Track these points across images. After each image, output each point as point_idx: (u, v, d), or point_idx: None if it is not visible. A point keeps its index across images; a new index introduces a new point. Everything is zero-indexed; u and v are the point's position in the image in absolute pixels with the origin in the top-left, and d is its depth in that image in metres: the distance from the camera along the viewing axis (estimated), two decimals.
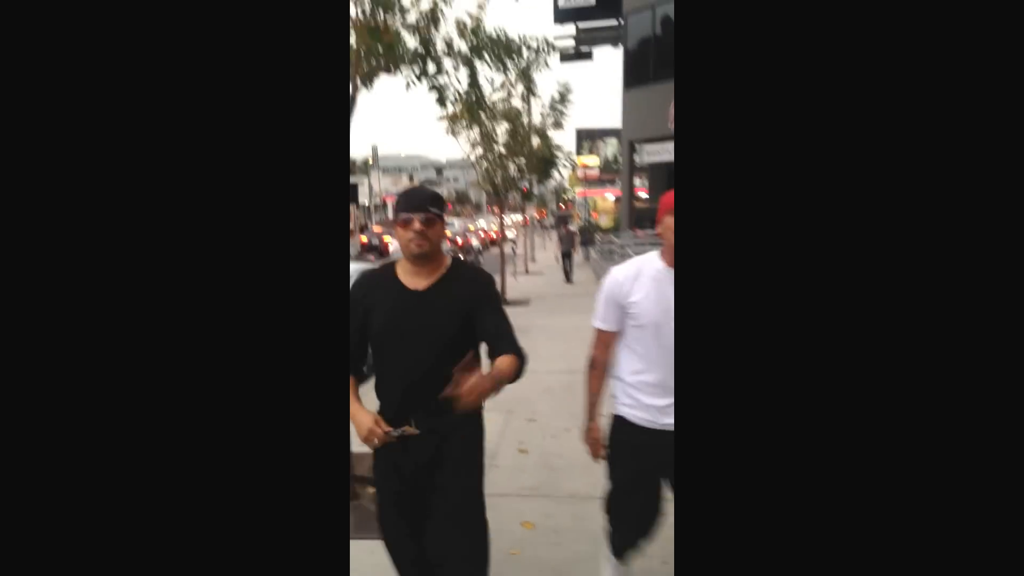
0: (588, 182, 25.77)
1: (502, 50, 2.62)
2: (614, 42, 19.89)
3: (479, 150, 9.21)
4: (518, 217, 26.53)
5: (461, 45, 2.61)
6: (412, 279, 1.57)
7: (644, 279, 1.61)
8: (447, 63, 2.58)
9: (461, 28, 2.58)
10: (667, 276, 1.58)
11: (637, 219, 15.69)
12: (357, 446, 1.75)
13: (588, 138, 29.33)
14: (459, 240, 19.22)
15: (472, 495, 1.58)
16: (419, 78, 2.58)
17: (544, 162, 11.31)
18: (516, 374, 1.49)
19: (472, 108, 2.77)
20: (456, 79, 2.64)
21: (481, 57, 2.59)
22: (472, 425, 1.61)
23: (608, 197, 25.34)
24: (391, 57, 2.46)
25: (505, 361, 1.47)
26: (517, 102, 8.95)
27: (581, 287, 11.54)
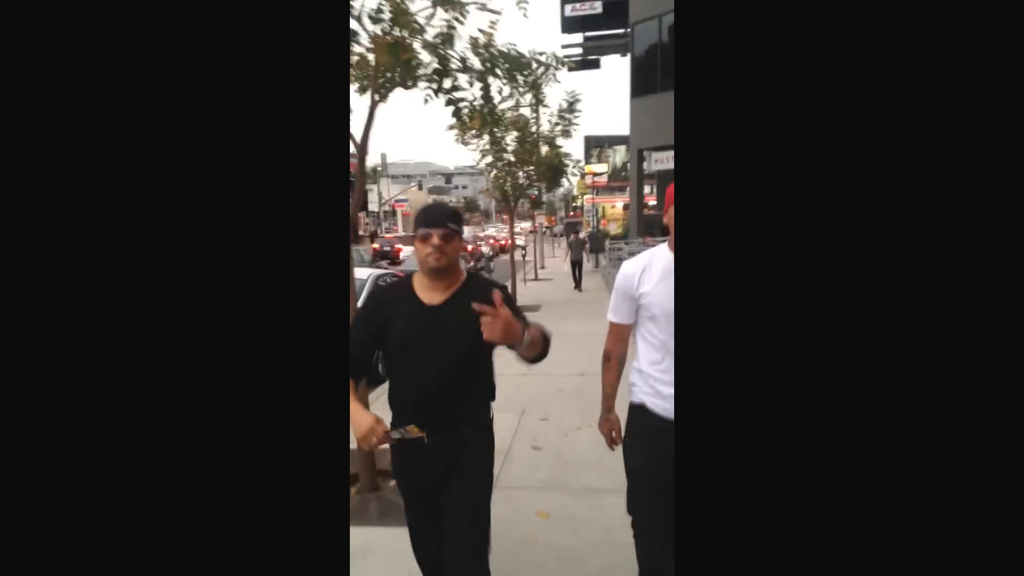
0: (597, 189, 25.88)
1: (513, 65, 2.77)
2: (621, 51, 20.08)
3: (489, 158, 9.38)
4: (527, 224, 26.69)
5: (475, 61, 2.77)
6: (428, 293, 1.60)
7: (654, 270, 1.63)
8: (462, 79, 2.74)
9: (475, 45, 2.74)
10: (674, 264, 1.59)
11: (646, 226, 15.77)
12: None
13: (597, 145, 29.45)
14: (469, 247, 19.41)
15: (479, 505, 1.60)
16: (436, 93, 2.74)
17: (553, 170, 11.46)
18: (543, 344, 1.50)
19: (484, 119, 2.91)
20: (471, 94, 2.80)
21: (495, 74, 2.74)
22: (483, 438, 1.64)
23: (617, 205, 25.44)
24: (409, 73, 2.63)
25: (531, 328, 1.48)
26: (526, 111, 9.12)
27: (591, 294, 11.64)
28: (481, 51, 2.70)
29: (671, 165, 14.21)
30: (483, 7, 2.79)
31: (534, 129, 9.67)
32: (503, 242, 23.86)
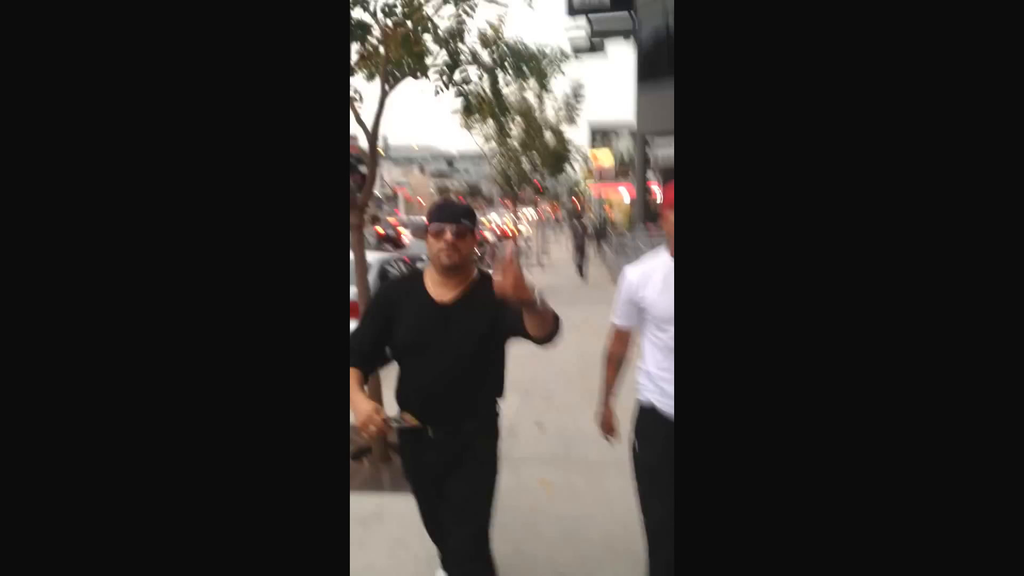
0: (602, 177, 25.85)
1: (520, 59, 2.88)
2: (627, 36, 19.93)
3: (493, 144, 9.46)
4: (531, 211, 26.70)
5: (483, 55, 2.87)
6: (439, 290, 1.59)
7: (655, 275, 1.66)
8: (472, 72, 2.85)
9: (484, 39, 2.85)
10: (673, 269, 1.62)
11: (650, 214, 15.82)
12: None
13: (602, 133, 29.33)
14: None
15: (483, 499, 1.61)
16: (447, 86, 2.85)
17: (557, 157, 11.52)
18: (553, 320, 1.45)
19: (492, 110, 3.02)
20: (481, 87, 2.90)
21: (503, 68, 2.85)
22: (489, 432, 1.65)
23: (621, 192, 25.42)
24: (421, 66, 2.74)
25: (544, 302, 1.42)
26: (531, 97, 9.19)
27: (593, 281, 11.75)
28: (490, 45, 2.81)
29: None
30: (491, 0, 2.89)
31: (538, 115, 9.73)
32: (506, 229, 23.93)
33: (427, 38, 2.69)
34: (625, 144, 26.92)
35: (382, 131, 3.00)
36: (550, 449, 3.36)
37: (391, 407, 1.64)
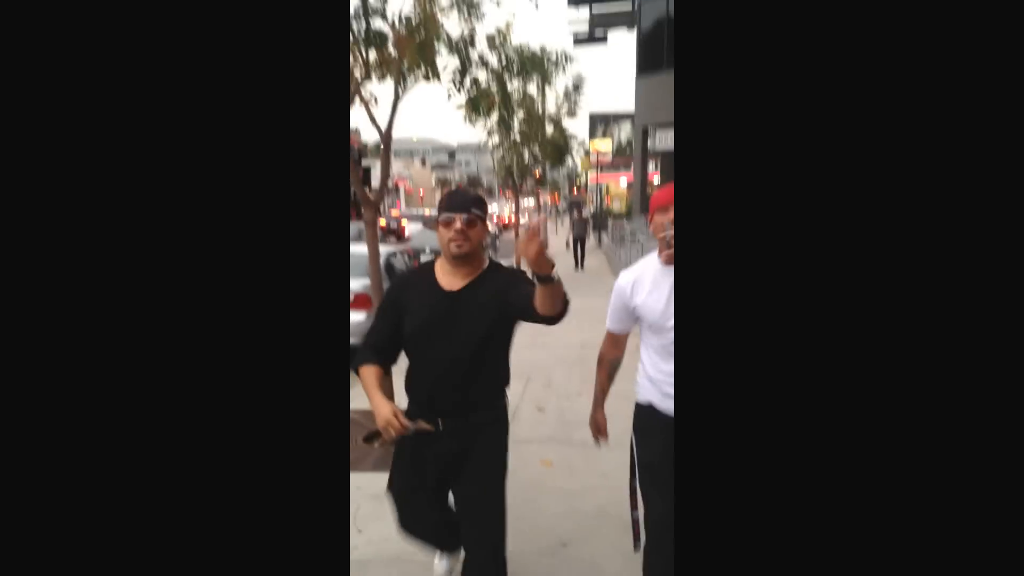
0: (601, 167, 25.94)
1: (526, 62, 3.06)
2: (628, 25, 19.92)
3: (496, 137, 9.61)
4: (531, 202, 26.80)
5: (492, 59, 3.06)
6: (448, 279, 1.59)
7: (645, 280, 1.66)
8: (481, 76, 3.03)
9: (492, 44, 3.03)
10: (663, 274, 1.63)
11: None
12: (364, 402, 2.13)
13: (602, 122, 29.32)
14: None
15: (494, 491, 1.62)
16: (459, 89, 3.04)
17: (557, 149, 11.66)
18: (563, 297, 1.43)
19: (500, 111, 3.21)
20: (489, 89, 3.09)
21: (510, 71, 3.03)
22: (498, 424, 1.65)
23: (621, 182, 25.50)
24: (434, 71, 2.92)
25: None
26: (533, 90, 9.32)
27: (592, 270, 11.94)
28: (497, 49, 2.99)
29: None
30: (498, 3, 3.06)
31: (540, 110, 9.87)
32: (507, 219, 24.06)
33: (440, 47, 2.88)
34: (625, 132, 26.96)
35: (382, 123, 3.18)
36: (550, 431, 3.58)
37: (401, 399, 1.66)
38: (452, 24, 2.92)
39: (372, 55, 2.83)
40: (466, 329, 1.54)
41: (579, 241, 12.95)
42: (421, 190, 43.89)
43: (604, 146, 26.08)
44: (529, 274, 1.52)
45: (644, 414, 1.74)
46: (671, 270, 1.60)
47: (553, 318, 1.45)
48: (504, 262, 1.79)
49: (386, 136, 3.22)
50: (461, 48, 2.83)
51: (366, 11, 2.75)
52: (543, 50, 3.22)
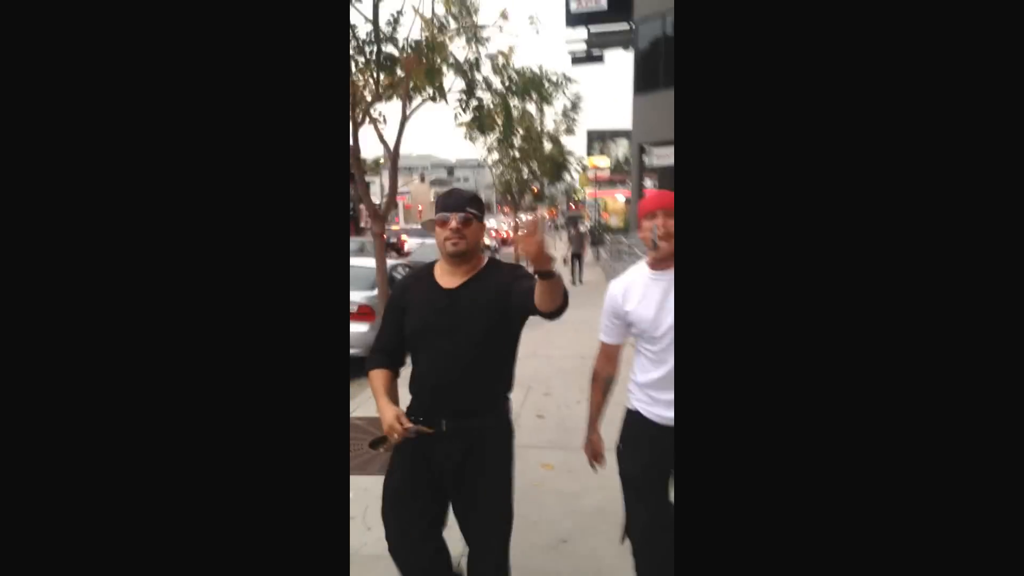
0: (599, 183, 26.23)
1: (527, 85, 3.25)
2: (625, 45, 20.34)
3: (496, 155, 9.82)
4: (530, 217, 27.00)
5: (495, 81, 3.24)
6: (447, 278, 1.59)
7: (635, 288, 1.66)
8: (486, 97, 3.21)
9: (496, 67, 3.21)
10: (652, 280, 1.64)
11: None
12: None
13: (599, 139, 29.72)
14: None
15: (500, 495, 1.61)
16: (464, 110, 3.21)
17: (556, 165, 11.89)
18: (563, 293, 1.41)
19: (504, 130, 3.39)
20: (492, 109, 3.27)
21: (513, 93, 3.21)
22: (502, 429, 1.63)
23: (618, 198, 25.79)
24: (441, 93, 3.09)
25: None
26: (532, 109, 9.57)
27: (590, 283, 12.10)
28: (501, 72, 3.18)
29: (671, 160, 14.56)
30: (501, 28, 3.25)
31: (539, 127, 10.11)
32: (505, 235, 24.30)
33: (447, 70, 3.05)
34: (622, 149, 27.32)
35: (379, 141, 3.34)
36: (550, 437, 3.70)
37: (405, 402, 1.65)
38: (458, 48, 3.10)
39: (382, 78, 3.00)
40: (465, 326, 1.53)
41: (576, 256, 13.06)
42: (420, 206, 44.38)
43: (601, 163, 26.40)
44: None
45: (631, 421, 1.73)
46: (659, 276, 1.62)
47: (553, 313, 1.44)
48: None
49: (394, 153, 3.39)
50: (467, 71, 3.02)
51: (377, 37, 2.93)
52: (543, 72, 3.40)
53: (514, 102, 3.50)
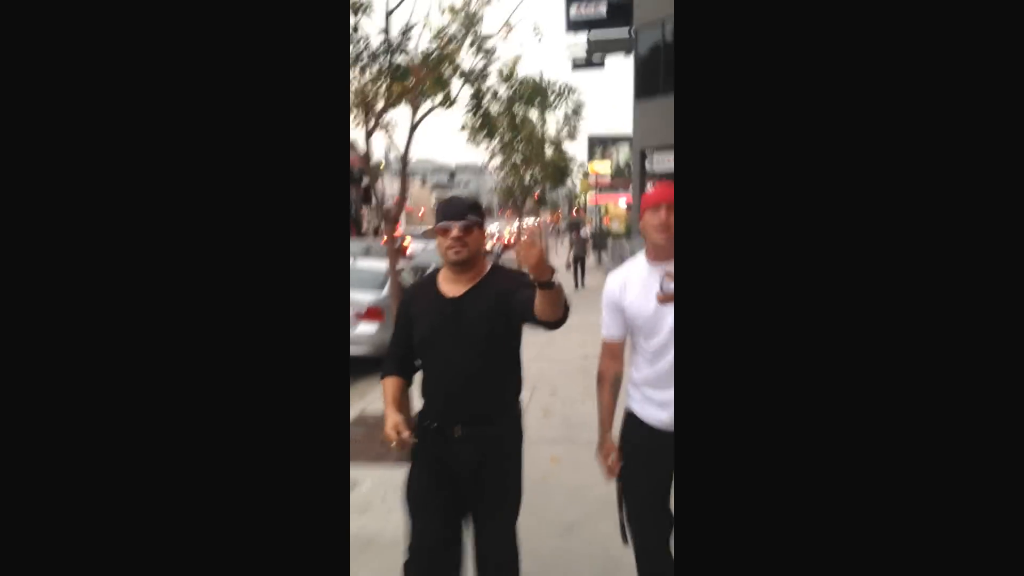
0: (600, 188, 26.35)
1: (531, 93, 3.39)
2: (625, 51, 20.52)
3: (499, 159, 9.95)
4: (532, 222, 27.22)
5: (501, 89, 3.38)
6: (450, 286, 1.60)
7: (633, 281, 1.64)
8: (493, 107, 3.35)
9: (502, 76, 3.35)
10: (651, 273, 1.60)
11: None
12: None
13: (600, 144, 29.86)
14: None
15: (512, 489, 1.66)
16: (474, 116, 3.36)
17: (558, 170, 12.02)
18: (564, 304, 1.43)
19: (511, 135, 3.52)
20: (498, 118, 3.41)
21: (518, 100, 3.35)
22: (514, 434, 1.67)
23: (620, 203, 25.92)
24: (449, 101, 3.23)
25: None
26: (534, 115, 9.71)
27: (592, 287, 12.21)
28: (506, 81, 3.32)
29: (672, 166, 14.67)
30: (505, 37, 3.39)
31: (540, 133, 10.24)
32: (507, 239, 24.42)
33: (456, 79, 3.20)
34: (623, 155, 27.46)
35: (382, 145, 3.49)
36: (556, 433, 3.82)
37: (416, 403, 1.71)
38: (465, 58, 3.24)
39: (394, 86, 3.14)
40: (469, 334, 1.55)
41: (579, 261, 13.08)
42: (422, 209, 44.67)
43: (603, 168, 26.54)
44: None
45: (627, 422, 1.71)
46: (659, 269, 1.58)
47: (553, 324, 1.45)
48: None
49: (404, 159, 3.52)
50: (474, 80, 3.16)
51: (389, 47, 3.06)
52: (548, 82, 3.55)
53: (520, 111, 3.63)
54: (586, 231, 17.52)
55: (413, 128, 3.50)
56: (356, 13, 2.88)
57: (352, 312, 3.06)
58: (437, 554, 1.63)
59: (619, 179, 26.52)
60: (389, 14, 3.09)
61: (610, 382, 1.73)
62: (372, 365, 4.06)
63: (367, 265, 6.44)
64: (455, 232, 1.54)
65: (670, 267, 1.55)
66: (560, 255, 23.27)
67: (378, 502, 2.89)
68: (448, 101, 3.23)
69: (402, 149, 3.51)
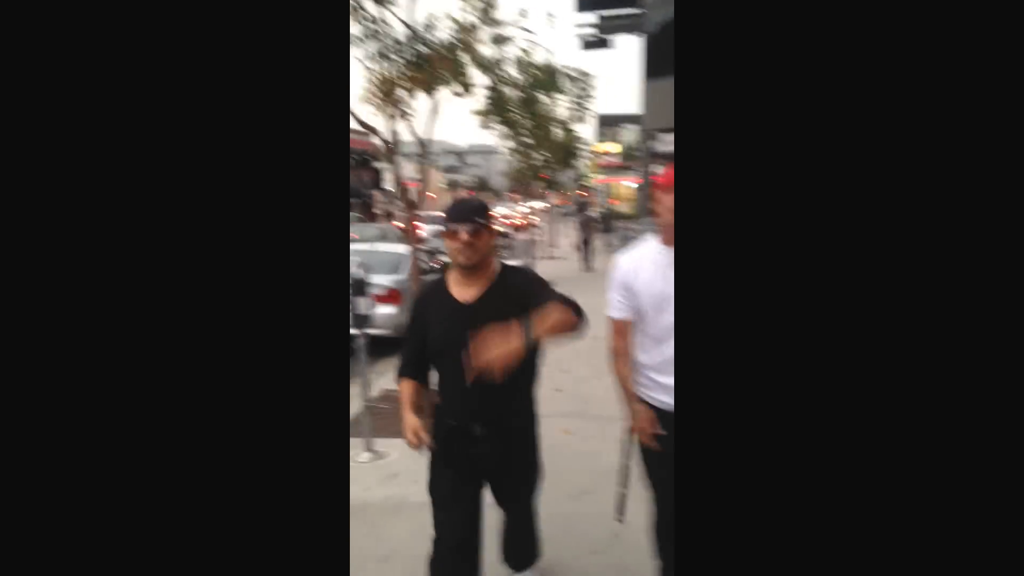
0: (608, 169, 26.23)
1: (547, 83, 3.51)
2: (635, 30, 20.28)
3: (511, 142, 10.02)
4: (540, 204, 27.25)
5: (518, 78, 3.51)
6: (461, 289, 1.61)
7: (645, 262, 1.64)
8: (510, 92, 3.49)
9: (519, 64, 3.48)
10: (665, 255, 1.60)
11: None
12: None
13: (609, 124, 29.62)
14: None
15: (531, 484, 1.74)
16: (491, 103, 3.49)
17: (566, 152, 12.07)
18: (568, 321, 1.47)
19: (529, 121, 3.66)
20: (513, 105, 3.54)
21: (535, 88, 3.48)
22: (532, 431, 1.73)
23: (628, 184, 25.83)
24: (468, 88, 3.37)
25: (548, 310, 1.45)
26: (544, 98, 9.75)
27: (600, 269, 12.35)
28: (524, 69, 3.44)
29: None
30: (523, 28, 3.51)
31: (551, 115, 10.28)
32: (517, 222, 24.46)
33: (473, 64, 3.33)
34: (632, 135, 27.27)
35: (396, 129, 3.59)
36: (567, 407, 4.03)
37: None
38: (483, 47, 3.37)
39: (415, 77, 3.27)
40: None
41: (586, 242, 13.17)
42: (431, 193, 44.87)
43: (611, 149, 26.38)
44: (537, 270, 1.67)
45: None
46: (671, 252, 1.59)
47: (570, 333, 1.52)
48: (517, 262, 1.91)
49: (424, 145, 3.66)
50: (492, 69, 3.29)
51: (413, 38, 3.19)
52: (561, 68, 3.67)
53: (532, 95, 3.75)
54: (593, 213, 17.55)
55: (432, 116, 3.64)
56: (381, 4, 3.00)
57: (373, 295, 3.23)
58: (461, 548, 1.66)
59: (627, 160, 26.38)
60: (413, 7, 3.20)
61: (624, 356, 1.74)
62: (392, 346, 4.26)
63: (386, 249, 6.61)
64: (464, 236, 1.54)
65: None
66: (569, 237, 23.39)
67: (405, 471, 3.11)
68: (466, 88, 3.36)
69: (421, 136, 3.65)
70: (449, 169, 62.70)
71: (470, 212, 1.56)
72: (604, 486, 2.85)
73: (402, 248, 7.08)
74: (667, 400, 1.65)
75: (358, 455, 3.31)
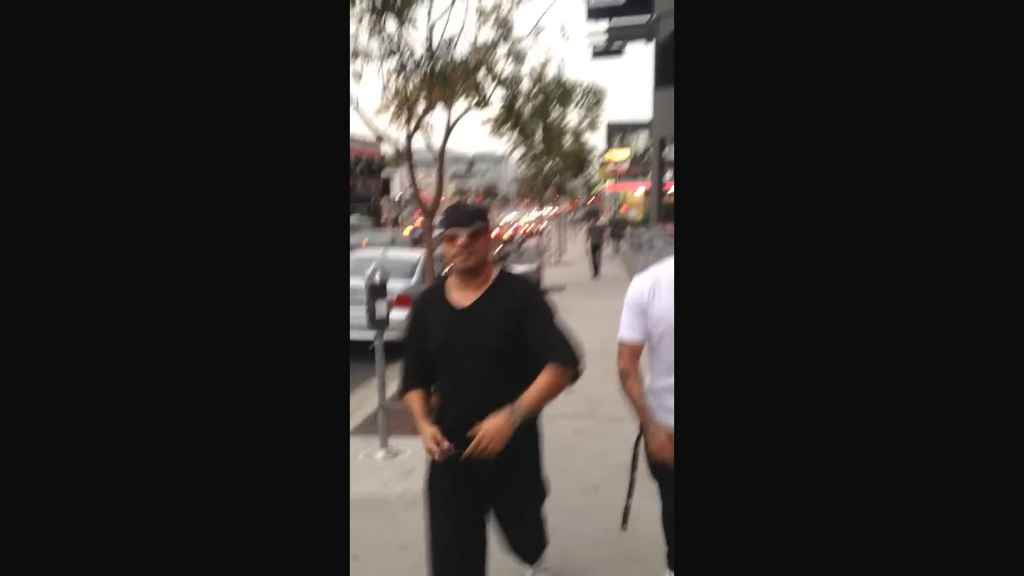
0: (618, 176, 26.28)
1: (563, 95, 3.67)
2: (646, 38, 20.42)
3: (522, 149, 10.17)
4: (550, 210, 27.40)
5: (530, 88, 3.67)
6: (459, 294, 1.61)
7: (661, 286, 1.62)
8: (523, 105, 3.65)
9: (534, 78, 3.65)
10: None
11: (666, 213, 16.34)
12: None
13: (619, 131, 29.70)
14: (493, 232, 19.79)
15: (535, 495, 1.72)
16: (507, 116, 3.66)
17: (577, 160, 12.21)
18: (560, 383, 1.50)
19: (544, 134, 3.82)
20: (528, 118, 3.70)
21: (550, 103, 3.64)
22: (532, 435, 1.70)
23: (638, 191, 25.89)
24: (483, 102, 3.54)
25: (541, 379, 1.47)
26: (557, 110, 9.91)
27: (609, 275, 12.45)
28: (539, 82, 3.61)
29: None
30: (535, 39, 3.68)
31: (561, 125, 10.43)
32: (525, 228, 24.58)
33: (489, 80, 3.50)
34: (642, 142, 27.33)
35: (401, 139, 3.75)
36: (578, 408, 4.16)
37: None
38: (499, 62, 3.54)
39: (434, 93, 3.44)
40: (480, 345, 1.56)
41: (596, 249, 13.16)
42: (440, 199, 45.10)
43: (621, 155, 26.46)
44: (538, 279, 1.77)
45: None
46: None
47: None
48: (524, 268, 2.05)
49: (440, 154, 3.83)
50: (509, 85, 3.46)
51: (431, 56, 3.36)
52: (575, 83, 3.84)
53: (546, 108, 3.92)
54: (603, 219, 17.62)
55: (449, 129, 3.80)
56: (402, 24, 3.17)
57: (387, 300, 3.33)
58: (459, 553, 1.64)
59: (637, 166, 26.44)
60: (432, 27, 3.37)
61: (635, 376, 1.73)
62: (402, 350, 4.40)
63: (398, 255, 6.79)
64: (462, 240, 1.54)
65: None
66: (579, 243, 23.45)
67: (419, 467, 3.24)
68: (483, 102, 3.53)
69: (437, 147, 3.81)
70: (458, 176, 63.02)
71: (468, 216, 1.57)
72: (613, 483, 2.97)
73: (416, 254, 7.28)
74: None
75: (374, 453, 3.45)
